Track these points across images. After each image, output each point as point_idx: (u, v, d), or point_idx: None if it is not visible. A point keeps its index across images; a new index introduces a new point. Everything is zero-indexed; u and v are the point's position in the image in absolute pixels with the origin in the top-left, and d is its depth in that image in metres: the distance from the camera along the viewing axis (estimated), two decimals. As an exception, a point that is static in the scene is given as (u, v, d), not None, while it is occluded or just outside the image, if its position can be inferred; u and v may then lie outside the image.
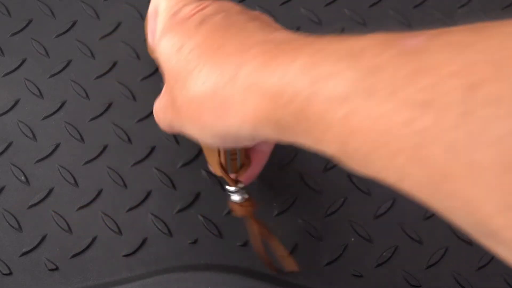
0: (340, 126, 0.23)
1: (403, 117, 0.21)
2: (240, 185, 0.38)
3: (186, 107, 0.31)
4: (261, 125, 0.28)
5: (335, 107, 0.23)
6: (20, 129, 0.46)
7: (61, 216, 0.44)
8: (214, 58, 0.30)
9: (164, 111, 0.35)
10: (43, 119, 0.46)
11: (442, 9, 0.48)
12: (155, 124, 0.45)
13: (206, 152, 0.41)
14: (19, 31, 0.48)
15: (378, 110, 0.22)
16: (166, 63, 0.32)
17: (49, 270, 0.43)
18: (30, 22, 0.48)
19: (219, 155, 0.36)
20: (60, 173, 0.45)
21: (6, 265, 0.43)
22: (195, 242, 0.43)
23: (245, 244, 0.43)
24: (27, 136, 0.45)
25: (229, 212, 0.43)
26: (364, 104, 0.22)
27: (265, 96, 0.26)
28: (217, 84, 0.29)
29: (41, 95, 0.46)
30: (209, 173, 0.44)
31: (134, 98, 0.46)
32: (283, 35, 0.30)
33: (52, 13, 0.49)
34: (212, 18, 0.32)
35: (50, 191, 0.44)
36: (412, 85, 0.21)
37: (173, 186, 0.44)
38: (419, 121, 0.20)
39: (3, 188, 0.44)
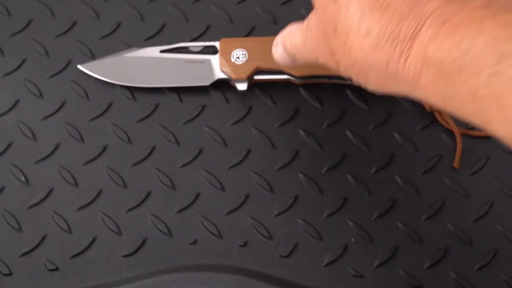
0: None
1: None
2: None
3: (347, 63, 0.30)
4: (431, 95, 0.26)
5: None
6: (20, 129, 0.46)
7: (61, 216, 0.44)
8: (383, 19, 0.27)
9: (309, 47, 0.33)
10: (43, 119, 0.46)
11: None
12: (155, 124, 0.45)
13: None
14: (19, 31, 0.48)
15: None
16: (323, 9, 0.31)
17: (49, 270, 0.43)
18: (30, 22, 0.48)
19: None
20: (60, 173, 0.45)
21: (6, 265, 0.43)
22: (195, 242, 0.43)
23: (245, 244, 0.43)
24: (27, 136, 0.45)
25: (229, 212, 0.43)
26: None
27: (442, 73, 0.25)
28: (390, 55, 0.27)
29: (41, 95, 0.46)
30: (210, 173, 0.44)
31: (134, 98, 0.46)
32: None
33: (52, 13, 0.49)
34: None
35: (50, 191, 0.44)
36: None
37: (173, 186, 0.44)
38: None
39: (3, 188, 0.44)
